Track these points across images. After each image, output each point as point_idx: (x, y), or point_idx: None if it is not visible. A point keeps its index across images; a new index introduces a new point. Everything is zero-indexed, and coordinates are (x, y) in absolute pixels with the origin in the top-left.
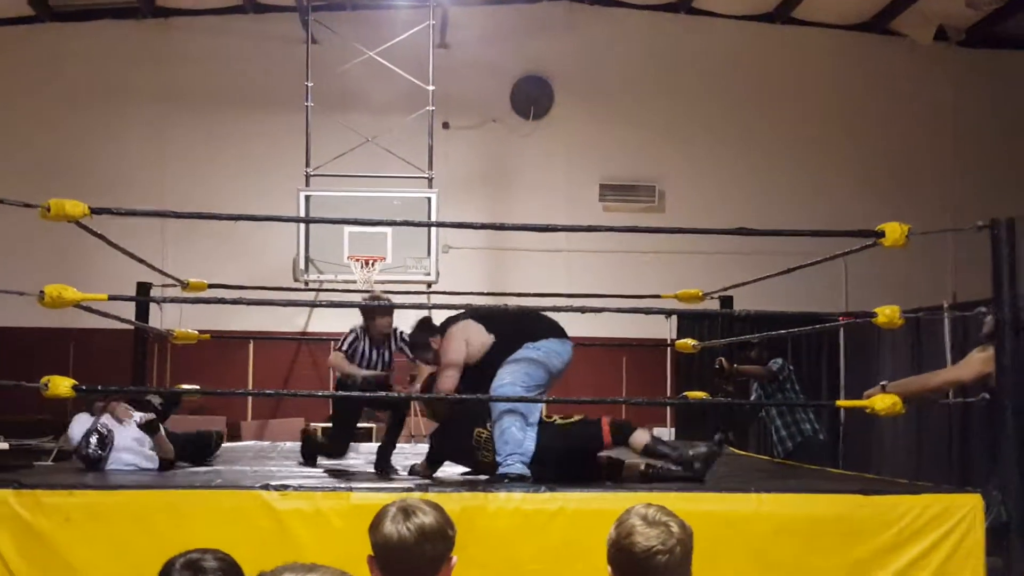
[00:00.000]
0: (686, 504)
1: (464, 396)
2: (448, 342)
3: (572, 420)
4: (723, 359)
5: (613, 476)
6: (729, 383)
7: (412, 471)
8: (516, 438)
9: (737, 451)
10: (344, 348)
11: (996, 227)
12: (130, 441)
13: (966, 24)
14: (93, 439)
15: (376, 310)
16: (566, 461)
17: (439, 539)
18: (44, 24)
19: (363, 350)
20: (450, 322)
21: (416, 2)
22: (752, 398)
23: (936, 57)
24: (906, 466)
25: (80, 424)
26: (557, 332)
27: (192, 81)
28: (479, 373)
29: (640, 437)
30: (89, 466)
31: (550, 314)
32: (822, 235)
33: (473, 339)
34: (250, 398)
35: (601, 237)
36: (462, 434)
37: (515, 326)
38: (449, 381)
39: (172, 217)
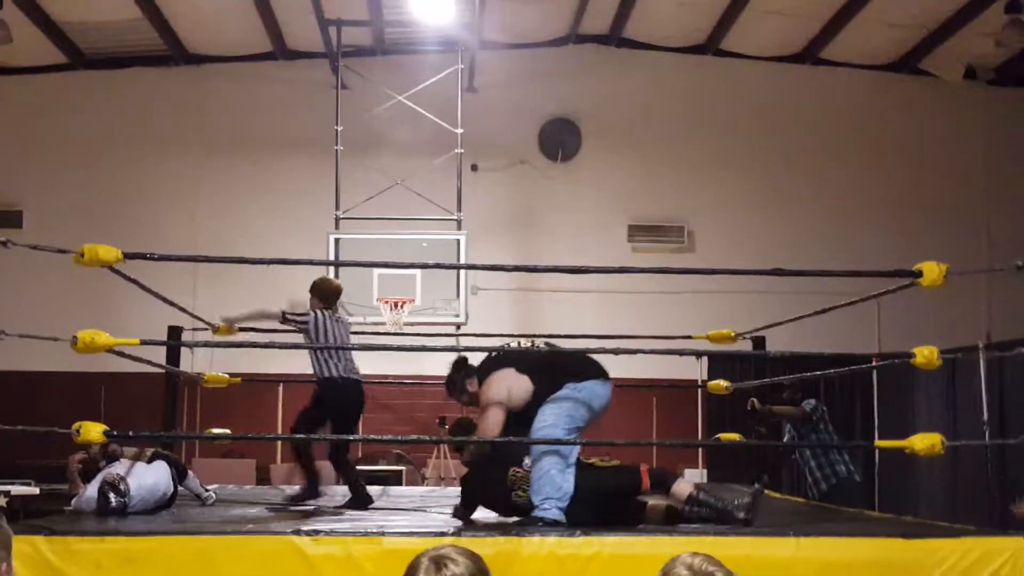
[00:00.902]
0: (723, 549)
1: (504, 439)
2: (490, 388)
3: (611, 464)
4: (755, 400)
5: (640, 517)
6: (762, 424)
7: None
8: (555, 482)
9: (772, 493)
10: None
11: None
12: (142, 475)
13: (995, 63)
14: (110, 494)
15: None
16: (605, 505)
17: None
18: (77, 72)
19: None
20: (491, 367)
21: (444, 47)
22: (785, 439)
23: (966, 96)
24: (943, 508)
25: (91, 487)
26: (599, 373)
27: (223, 126)
28: (516, 415)
29: (683, 488)
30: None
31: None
32: (859, 275)
33: (516, 389)
34: (279, 441)
35: (631, 278)
36: (496, 477)
37: (557, 368)
38: (493, 425)
39: (204, 261)
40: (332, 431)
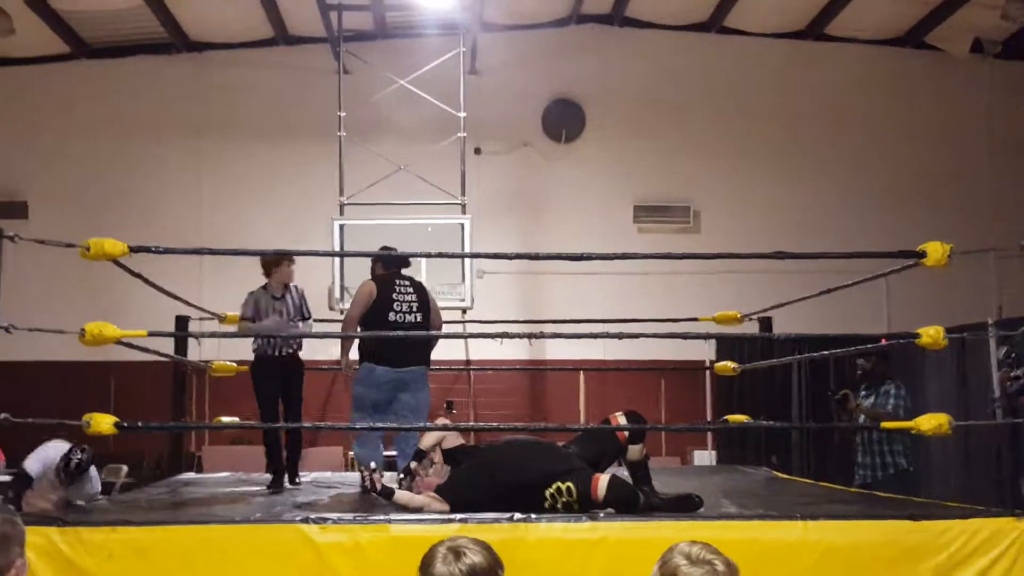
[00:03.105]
0: (731, 532)
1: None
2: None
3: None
4: (849, 394)
5: None
6: (845, 414)
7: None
8: (362, 459)
9: (781, 475)
10: (248, 315)
11: None
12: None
13: (1001, 36)
14: (65, 464)
15: (273, 261)
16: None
17: None
18: (79, 61)
19: (264, 307)
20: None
21: (446, 30)
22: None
23: (972, 70)
24: (955, 487)
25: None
26: (381, 359)
27: (226, 114)
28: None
29: (638, 454)
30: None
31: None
32: (862, 256)
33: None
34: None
35: (636, 260)
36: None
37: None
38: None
39: (207, 254)
40: (289, 406)
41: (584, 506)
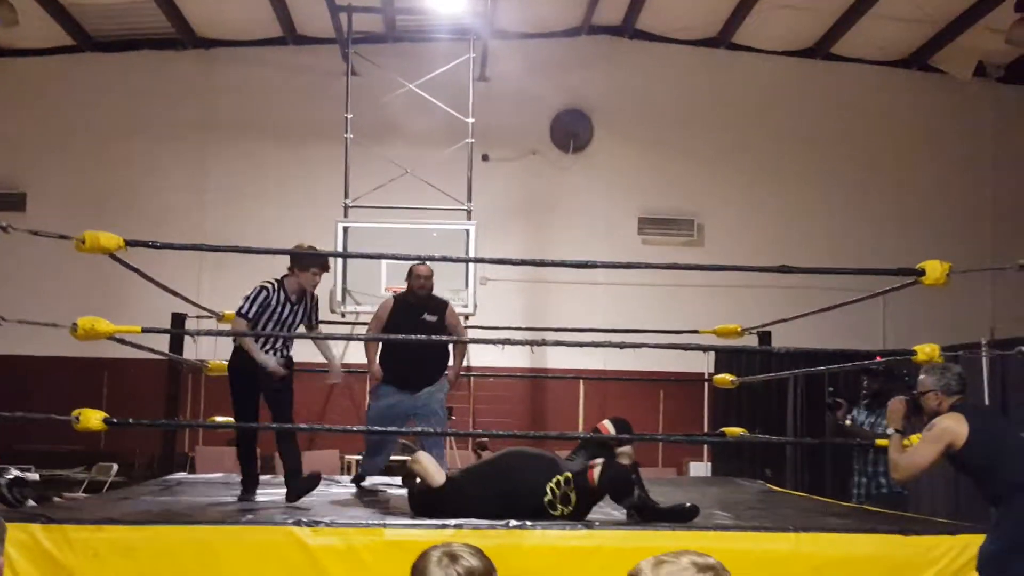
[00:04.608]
0: (725, 543)
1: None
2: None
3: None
4: (843, 403)
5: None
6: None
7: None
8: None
9: (774, 487)
10: (249, 310)
11: None
12: None
13: (1006, 60)
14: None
15: (310, 260)
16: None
17: None
18: (84, 54)
19: (274, 306)
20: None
21: (456, 35)
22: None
23: (976, 93)
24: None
25: None
26: None
27: (232, 112)
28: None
29: (628, 457)
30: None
31: None
32: (863, 273)
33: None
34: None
35: (640, 270)
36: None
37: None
38: None
39: (208, 251)
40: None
41: (581, 494)
